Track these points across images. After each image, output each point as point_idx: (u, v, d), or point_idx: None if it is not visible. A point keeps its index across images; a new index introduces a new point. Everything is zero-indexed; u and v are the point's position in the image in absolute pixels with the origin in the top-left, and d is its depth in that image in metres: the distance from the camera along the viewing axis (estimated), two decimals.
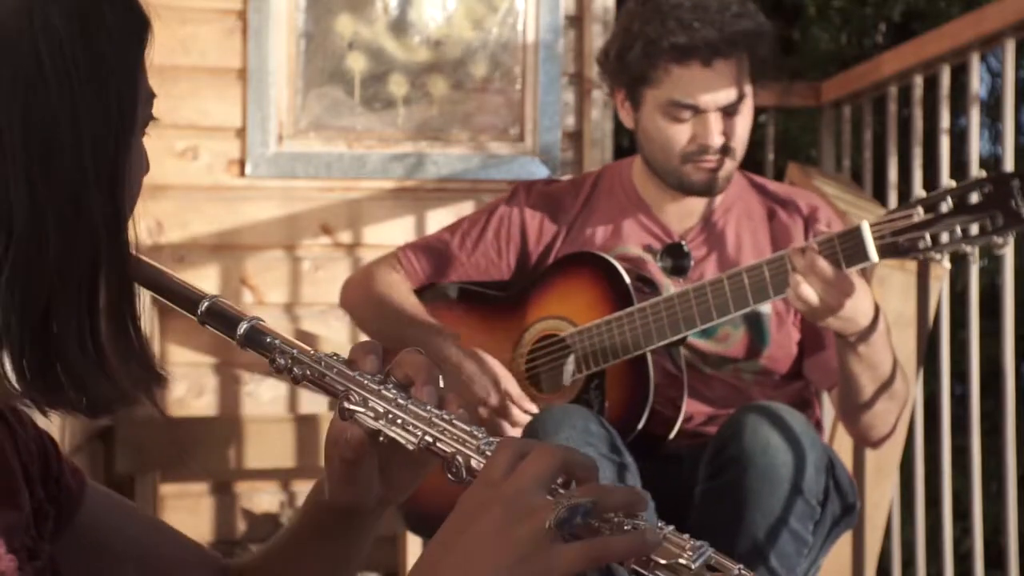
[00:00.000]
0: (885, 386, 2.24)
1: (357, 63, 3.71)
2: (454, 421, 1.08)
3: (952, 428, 3.05)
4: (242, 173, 3.64)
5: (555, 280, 2.42)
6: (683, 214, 2.45)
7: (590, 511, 0.94)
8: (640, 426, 2.26)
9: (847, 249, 2.10)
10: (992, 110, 5.41)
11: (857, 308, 2.10)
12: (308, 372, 1.14)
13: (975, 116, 3.10)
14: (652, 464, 2.22)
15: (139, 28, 1.01)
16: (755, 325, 2.39)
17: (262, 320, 1.16)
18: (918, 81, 3.27)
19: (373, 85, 3.72)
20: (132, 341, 1.02)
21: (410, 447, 1.08)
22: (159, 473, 3.43)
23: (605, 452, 2.16)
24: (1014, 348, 2.91)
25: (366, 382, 1.12)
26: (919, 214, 2.06)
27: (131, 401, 1.03)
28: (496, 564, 0.93)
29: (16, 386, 0.97)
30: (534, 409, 2.31)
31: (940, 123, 3.15)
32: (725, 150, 2.37)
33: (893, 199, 3.39)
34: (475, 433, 1.06)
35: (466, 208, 3.62)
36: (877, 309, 2.15)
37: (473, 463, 1.04)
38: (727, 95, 2.35)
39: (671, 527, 0.97)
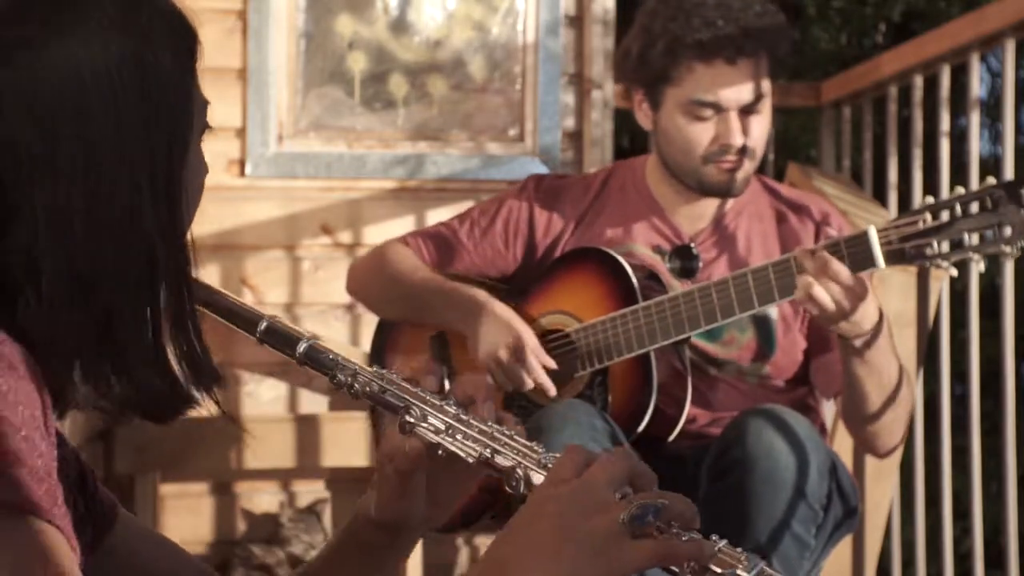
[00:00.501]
0: (891, 394, 2.22)
1: (357, 63, 3.71)
2: (513, 437, 1.13)
3: (952, 428, 3.05)
4: (242, 173, 3.64)
5: (561, 275, 2.41)
6: (694, 216, 2.45)
7: (660, 512, 0.99)
8: (643, 425, 2.26)
9: (853, 254, 2.09)
10: (992, 110, 5.41)
11: (864, 311, 2.10)
12: (368, 388, 1.18)
13: (975, 116, 3.10)
14: (654, 465, 2.22)
15: (189, 39, 1.06)
16: (762, 330, 2.38)
17: (319, 338, 1.22)
18: (918, 81, 3.27)
19: (373, 85, 3.72)
20: (193, 345, 1.08)
21: (470, 460, 1.13)
22: (159, 473, 3.43)
23: (609, 449, 2.15)
24: (1014, 348, 2.91)
25: (428, 397, 1.17)
26: (927, 220, 2.05)
27: (194, 404, 1.09)
28: (571, 555, 0.96)
29: (84, 392, 1.03)
30: (552, 364, 2.30)
31: (940, 123, 3.15)
32: (744, 150, 2.36)
33: (893, 199, 3.39)
34: (535, 448, 1.11)
35: (466, 208, 3.62)
36: (881, 314, 2.15)
37: (533, 476, 1.09)
38: (748, 93, 2.35)
39: (724, 540, 1.02)
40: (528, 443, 1.12)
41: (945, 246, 2.05)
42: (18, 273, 1.00)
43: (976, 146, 3.08)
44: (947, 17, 5.26)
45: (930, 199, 2.09)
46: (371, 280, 2.56)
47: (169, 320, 1.06)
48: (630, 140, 5.40)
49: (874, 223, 2.17)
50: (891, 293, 3.02)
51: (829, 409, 3.05)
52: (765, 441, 2.13)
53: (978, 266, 2.07)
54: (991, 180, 2.04)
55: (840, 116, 3.78)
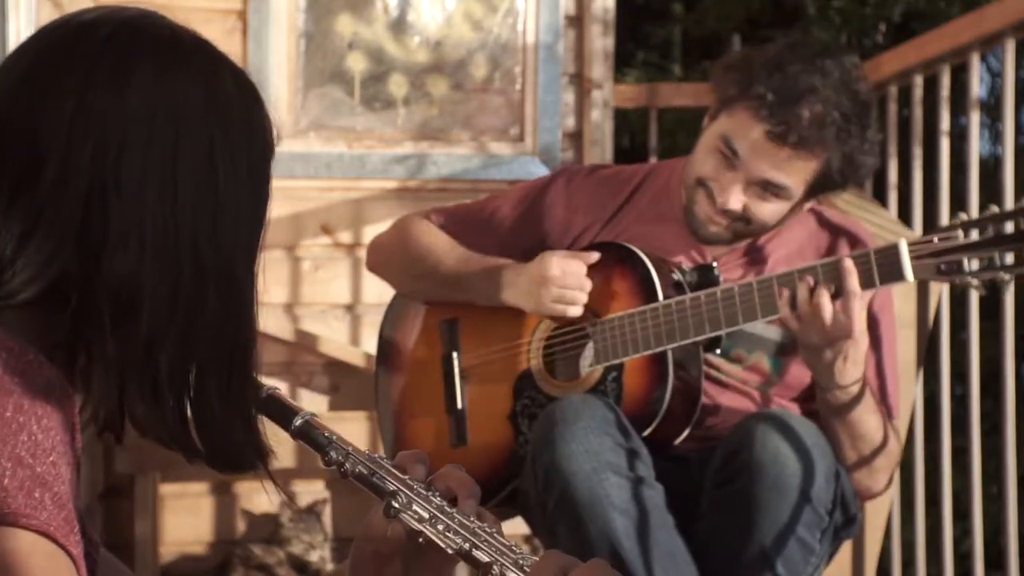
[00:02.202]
0: (871, 453, 2.23)
1: (357, 63, 3.71)
2: (494, 534, 1.16)
3: (952, 428, 3.05)
4: None
5: None
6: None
7: None
8: (654, 425, 2.24)
9: (883, 266, 2.08)
10: (992, 110, 5.40)
11: (848, 361, 2.11)
12: (359, 469, 1.22)
13: (975, 116, 3.10)
14: (660, 466, 2.22)
15: (272, 138, 1.21)
16: (774, 354, 2.35)
17: (315, 415, 1.27)
18: (918, 81, 3.27)
19: (373, 85, 3.72)
20: (252, 408, 1.17)
21: (450, 551, 1.17)
22: (159, 473, 3.43)
23: (623, 443, 2.15)
24: (1014, 348, 2.91)
25: (415, 486, 1.20)
26: (959, 237, 2.04)
27: (252, 465, 1.18)
28: None
29: (163, 431, 1.12)
30: (594, 257, 2.28)
31: (940, 123, 3.15)
32: (729, 214, 2.26)
33: (893, 199, 3.39)
34: (513, 548, 1.16)
35: None
36: (864, 381, 2.17)
37: (509, 575, 1.13)
38: (773, 175, 2.22)
39: None
40: (507, 542, 1.16)
41: (975, 264, 2.04)
42: (111, 299, 1.06)
43: (976, 146, 3.08)
44: (947, 17, 5.26)
45: (963, 215, 2.07)
46: (395, 253, 2.50)
47: (237, 387, 1.15)
48: (630, 140, 5.40)
49: (876, 224, 2.16)
50: (891, 293, 3.02)
51: None
52: (772, 446, 2.12)
53: (1009, 285, 2.07)
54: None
55: None
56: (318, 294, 3.68)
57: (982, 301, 2.99)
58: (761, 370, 2.34)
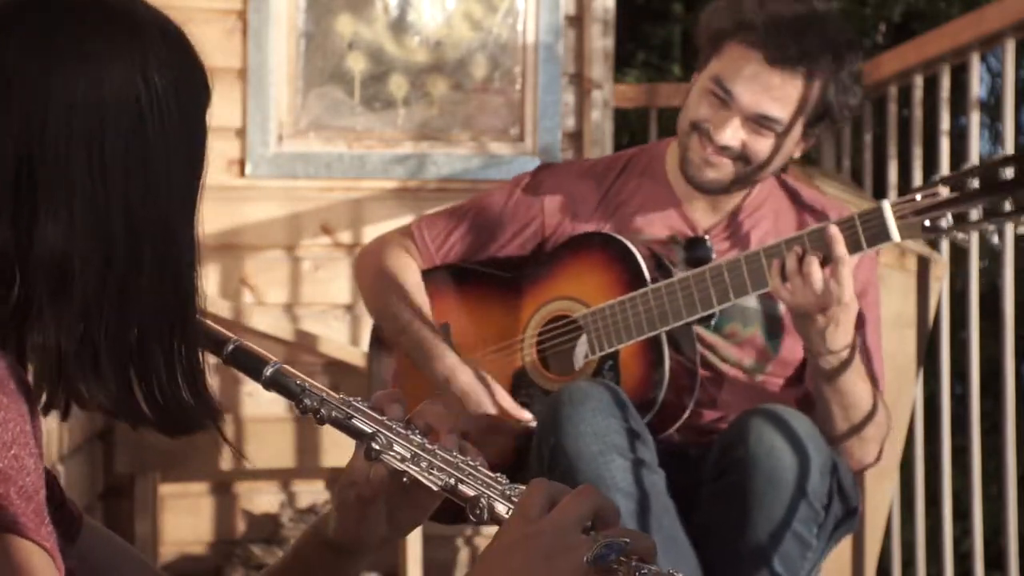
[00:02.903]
0: (860, 421, 2.23)
1: (357, 63, 3.71)
2: (478, 468, 1.16)
3: (952, 428, 3.05)
4: (242, 173, 3.64)
5: (566, 261, 2.39)
6: (711, 209, 2.40)
7: (624, 550, 1.04)
8: (655, 410, 2.25)
9: (868, 228, 2.08)
10: (992, 110, 5.41)
11: (839, 327, 2.12)
12: (335, 413, 1.20)
13: (975, 116, 3.10)
14: (659, 460, 2.22)
15: (207, 85, 1.15)
16: (768, 327, 2.36)
17: (285, 365, 1.24)
18: (918, 81, 3.28)
19: (373, 85, 3.72)
20: (201, 369, 1.13)
21: (435, 488, 1.16)
22: (159, 473, 3.43)
23: (628, 426, 2.15)
24: (1014, 348, 2.91)
25: (393, 426, 1.19)
26: (943, 193, 2.05)
27: (202, 426, 1.13)
28: None
29: (106, 399, 1.07)
30: (528, 417, 2.30)
31: (940, 123, 3.15)
32: (732, 153, 2.28)
33: (893, 199, 3.39)
34: (498, 479, 1.16)
35: None
36: (853, 344, 2.16)
37: (497, 506, 1.14)
38: (768, 106, 2.24)
39: (681, 574, 1.09)
40: (492, 474, 1.16)
41: (962, 219, 2.04)
42: (45, 275, 1.04)
43: (976, 146, 3.07)
44: (947, 17, 5.26)
45: (944, 172, 2.08)
46: (369, 297, 2.54)
47: (183, 347, 1.11)
48: (630, 140, 5.40)
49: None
50: (891, 293, 3.02)
51: None
52: (767, 441, 2.13)
53: (992, 238, 2.08)
54: (1009, 151, 2.04)
55: None
56: (318, 294, 3.68)
57: (982, 301, 2.99)
58: (757, 344, 2.35)
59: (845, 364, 2.18)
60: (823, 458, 2.15)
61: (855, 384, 2.21)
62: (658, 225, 2.39)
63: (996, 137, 5.57)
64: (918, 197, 2.06)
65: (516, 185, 2.48)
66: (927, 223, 2.06)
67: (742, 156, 2.28)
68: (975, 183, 2.02)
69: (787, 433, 2.14)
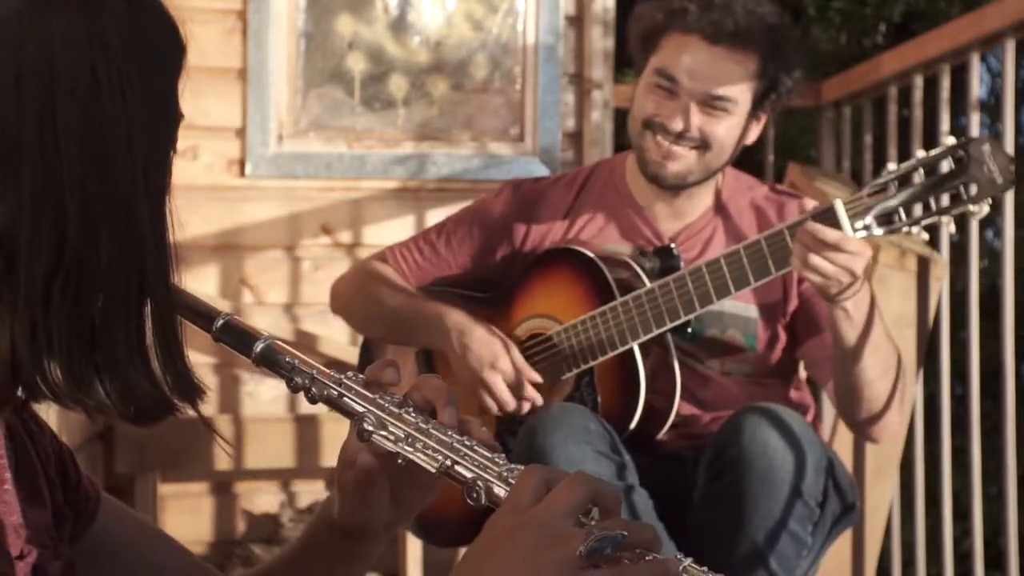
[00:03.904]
0: (888, 367, 2.20)
1: (357, 63, 3.71)
2: (475, 447, 1.08)
3: (952, 428, 3.05)
4: (242, 173, 3.64)
5: (538, 278, 2.39)
6: (673, 215, 2.40)
7: (620, 543, 0.95)
8: (635, 422, 2.25)
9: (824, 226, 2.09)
10: (992, 110, 5.41)
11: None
12: (326, 392, 1.14)
13: (975, 116, 3.10)
14: (653, 465, 2.22)
15: (179, 53, 1.07)
16: (742, 328, 2.36)
17: (278, 339, 1.16)
18: (918, 81, 3.28)
19: (373, 85, 3.72)
20: (174, 350, 1.05)
21: (431, 470, 1.09)
22: (159, 473, 3.43)
23: (604, 451, 2.15)
24: (1014, 348, 2.92)
25: (386, 404, 1.12)
26: (893, 188, 2.05)
27: (174, 409, 1.05)
28: None
29: (64, 389, 0.99)
30: (537, 379, 2.29)
31: (940, 123, 3.15)
32: (684, 138, 2.28)
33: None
34: (496, 460, 1.07)
35: None
36: (872, 299, 2.15)
37: (495, 489, 1.05)
38: (715, 84, 2.26)
39: (689, 559, 0.99)
40: (489, 455, 1.08)
41: (917, 212, 2.04)
42: None
43: None
44: (947, 17, 5.26)
45: (893, 166, 2.08)
46: (352, 301, 2.54)
47: (153, 329, 1.03)
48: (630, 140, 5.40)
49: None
50: (891, 293, 3.03)
51: (830, 411, 3.05)
52: (760, 439, 2.13)
53: (948, 228, 2.07)
54: (951, 140, 2.05)
55: (840, 116, 3.78)
56: (318, 294, 3.67)
57: (982, 301, 2.99)
58: (737, 346, 2.35)
59: (865, 300, 2.14)
60: (817, 455, 2.15)
61: (880, 333, 2.17)
62: (624, 235, 2.40)
63: (996, 137, 5.57)
64: (865, 195, 2.07)
65: (491, 205, 2.49)
66: (879, 220, 2.06)
67: (701, 142, 2.29)
68: (918, 177, 2.03)
69: (781, 431, 2.14)
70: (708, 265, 2.19)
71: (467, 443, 1.09)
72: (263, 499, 3.64)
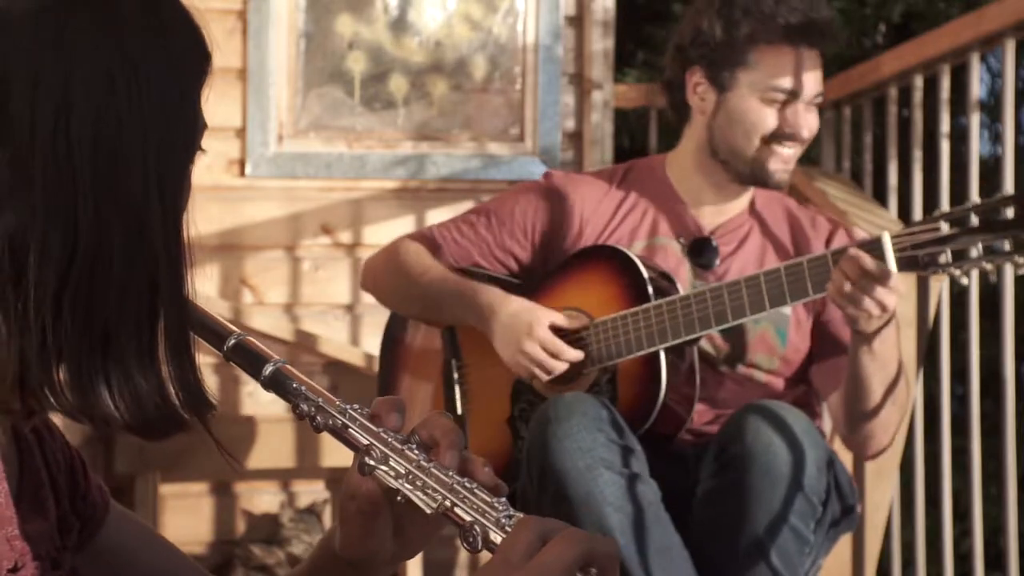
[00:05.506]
0: (890, 386, 2.24)
1: (357, 63, 3.71)
2: (475, 490, 1.06)
3: (952, 429, 3.05)
4: (242, 173, 3.64)
5: (573, 271, 2.40)
6: (716, 212, 2.45)
7: None
8: (649, 423, 2.25)
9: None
10: (992, 110, 5.40)
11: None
12: (331, 422, 1.12)
13: (975, 117, 3.10)
14: (657, 463, 2.22)
15: (203, 60, 1.06)
16: (776, 324, 2.38)
17: (287, 363, 1.15)
18: (918, 81, 3.27)
19: (373, 85, 3.72)
20: (186, 364, 1.03)
21: (427, 511, 1.07)
22: (159, 473, 3.43)
23: (615, 439, 2.16)
24: (1014, 349, 2.91)
25: (390, 439, 1.10)
26: (943, 229, 2.06)
27: (184, 426, 1.04)
28: None
29: (72, 400, 0.97)
30: (575, 355, 2.30)
31: (940, 124, 3.15)
32: (804, 140, 2.39)
33: (893, 200, 3.39)
34: (495, 504, 1.05)
35: (466, 208, 3.62)
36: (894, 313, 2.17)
37: (491, 535, 1.03)
38: (820, 85, 2.39)
39: None
40: (489, 499, 1.06)
41: (960, 255, 2.06)
42: (5, 259, 0.95)
43: (976, 147, 3.07)
44: (947, 17, 5.26)
45: (945, 208, 2.10)
46: (385, 277, 2.54)
47: (165, 341, 1.02)
48: (630, 140, 5.40)
49: (877, 224, 2.18)
50: None
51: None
52: (763, 437, 2.14)
53: (991, 276, 2.09)
54: (1007, 191, 2.06)
55: (840, 116, 3.78)
56: (318, 294, 3.68)
57: (982, 302, 2.99)
58: (768, 341, 2.37)
59: (886, 325, 2.18)
60: (819, 453, 2.16)
61: (892, 352, 2.22)
62: (665, 226, 2.43)
63: (996, 138, 5.57)
64: (916, 232, 2.07)
65: (534, 191, 2.49)
66: (924, 258, 2.07)
67: (804, 141, 2.40)
68: (975, 220, 2.03)
69: (783, 429, 2.15)
70: (747, 280, 2.21)
71: (467, 485, 1.07)
72: (263, 499, 3.64)
